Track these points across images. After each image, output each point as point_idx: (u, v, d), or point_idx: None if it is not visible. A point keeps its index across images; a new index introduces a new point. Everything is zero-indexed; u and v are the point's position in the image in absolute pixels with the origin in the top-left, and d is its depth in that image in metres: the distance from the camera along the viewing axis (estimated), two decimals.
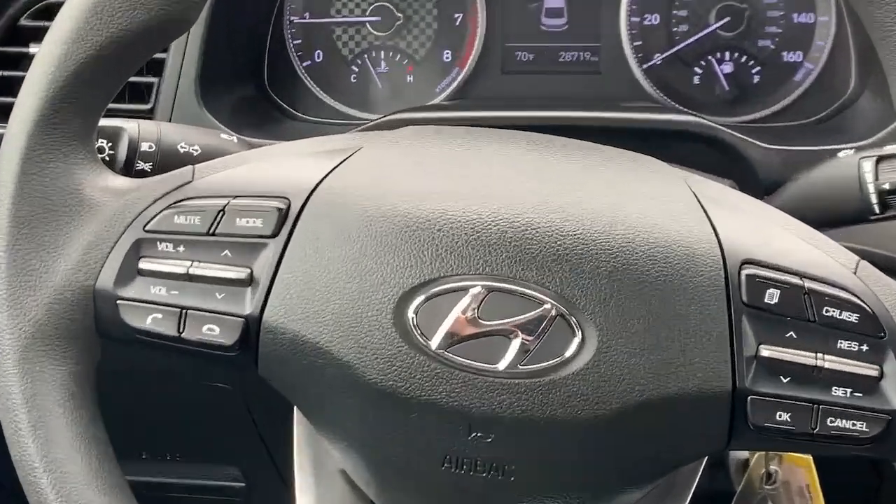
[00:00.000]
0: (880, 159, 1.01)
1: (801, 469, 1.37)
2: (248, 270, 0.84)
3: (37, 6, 1.46)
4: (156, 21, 0.84)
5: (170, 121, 1.41)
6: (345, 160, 0.87)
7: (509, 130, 0.94)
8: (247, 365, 0.85)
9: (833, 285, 0.75)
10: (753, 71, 1.56)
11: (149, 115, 1.41)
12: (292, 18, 1.62)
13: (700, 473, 0.94)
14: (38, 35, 1.45)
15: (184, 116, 1.40)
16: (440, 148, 0.90)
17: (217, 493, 1.76)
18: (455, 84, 1.60)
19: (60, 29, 0.85)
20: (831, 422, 0.73)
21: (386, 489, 0.88)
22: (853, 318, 0.74)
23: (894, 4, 0.75)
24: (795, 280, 0.76)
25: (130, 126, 1.08)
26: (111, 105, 0.90)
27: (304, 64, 1.62)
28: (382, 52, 1.62)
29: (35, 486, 0.82)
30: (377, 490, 0.89)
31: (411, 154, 0.89)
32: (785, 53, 1.55)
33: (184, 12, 0.85)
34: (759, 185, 1.27)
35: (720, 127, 1.33)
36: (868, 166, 1.00)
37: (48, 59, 0.84)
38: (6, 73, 1.44)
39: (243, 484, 1.75)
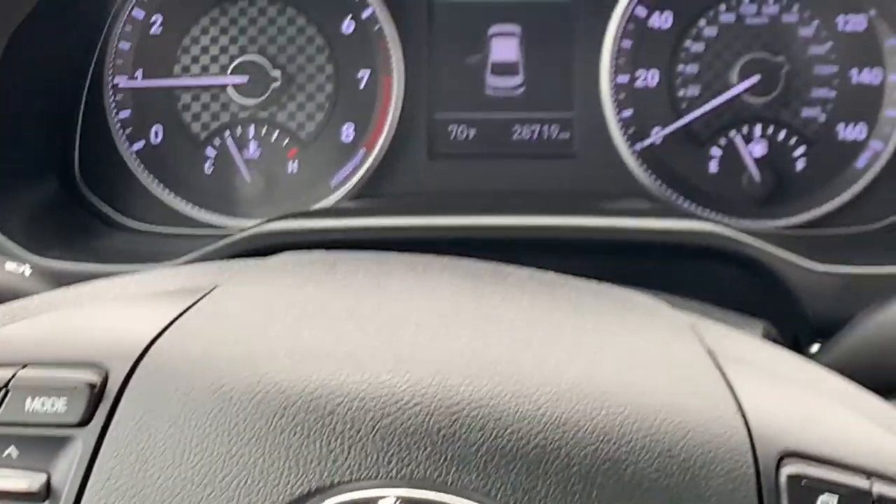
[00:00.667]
0: None
1: None
2: (44, 477, 0.83)
3: None
4: None
5: None
6: (189, 307, 0.88)
7: (437, 257, 0.95)
8: None
9: None
10: (796, 154, 1.60)
11: None
12: (116, 80, 1.64)
13: None
14: None
15: None
16: (333, 285, 0.90)
17: None
18: (359, 175, 1.62)
19: None
20: None
21: None
22: None
23: None
24: (860, 481, 0.77)
25: None
26: None
27: (135, 147, 1.64)
28: (252, 129, 1.64)
29: None
30: None
31: (289, 296, 0.90)
32: (842, 128, 1.60)
33: None
34: (806, 326, 1.30)
35: (748, 237, 1.35)
36: None
37: None
38: None
39: None
